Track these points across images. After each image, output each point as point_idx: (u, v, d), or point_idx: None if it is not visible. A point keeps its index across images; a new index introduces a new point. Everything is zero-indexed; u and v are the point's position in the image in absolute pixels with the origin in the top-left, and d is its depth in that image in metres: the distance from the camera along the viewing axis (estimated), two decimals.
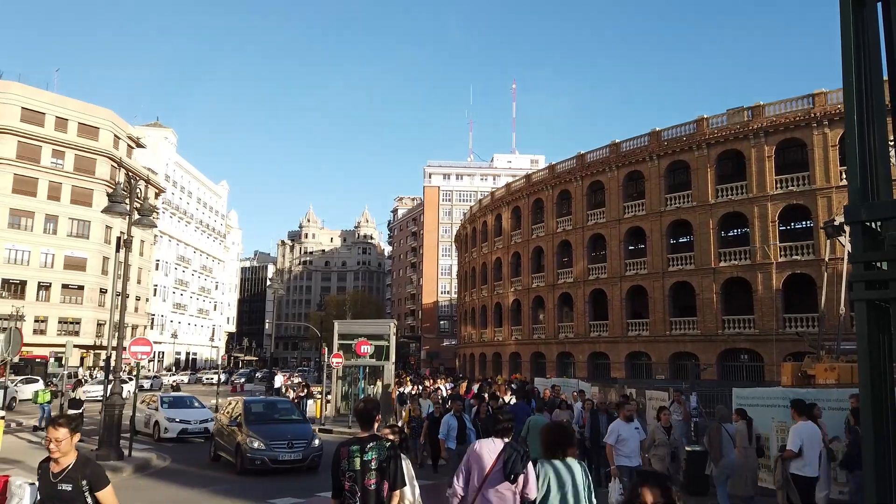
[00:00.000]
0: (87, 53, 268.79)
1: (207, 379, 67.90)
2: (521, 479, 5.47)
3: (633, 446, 10.23)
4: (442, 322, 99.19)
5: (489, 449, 5.65)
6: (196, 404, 23.56)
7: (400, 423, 17.37)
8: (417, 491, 6.15)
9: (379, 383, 27.68)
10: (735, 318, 38.87)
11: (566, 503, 5.40)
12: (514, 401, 18.99)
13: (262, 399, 22.70)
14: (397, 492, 5.31)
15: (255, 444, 14.90)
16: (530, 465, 5.58)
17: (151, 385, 51.11)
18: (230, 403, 18.21)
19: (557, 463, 5.49)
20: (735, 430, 11.49)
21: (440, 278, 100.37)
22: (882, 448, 2.30)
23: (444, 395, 22.46)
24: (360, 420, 5.55)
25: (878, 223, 2.44)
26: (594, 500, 5.58)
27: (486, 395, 19.59)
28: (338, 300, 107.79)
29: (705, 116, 41.32)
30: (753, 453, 11.30)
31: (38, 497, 4.47)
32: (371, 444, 5.27)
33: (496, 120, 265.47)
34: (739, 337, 38.49)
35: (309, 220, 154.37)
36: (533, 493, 5.49)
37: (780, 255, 37.12)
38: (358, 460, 5.19)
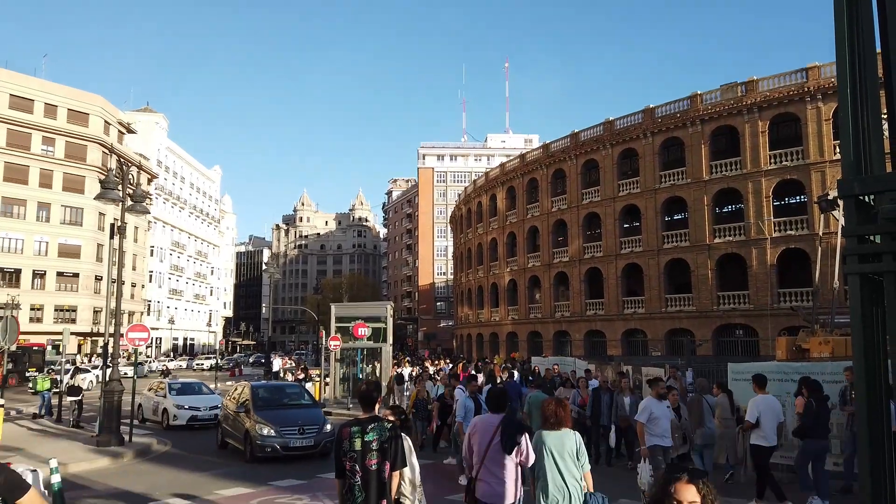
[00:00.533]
0: (75, 39, 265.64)
1: (198, 364, 66.13)
2: (517, 449, 6.05)
3: (666, 425, 9.86)
4: (438, 303, 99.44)
5: (487, 424, 6.28)
6: (205, 390, 22.86)
7: (406, 404, 17.47)
8: (418, 471, 6.23)
9: (376, 364, 27.76)
10: (730, 293, 39.06)
11: (560, 468, 6.01)
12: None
13: (270, 383, 21.95)
14: (397, 472, 5.40)
15: (265, 431, 14.32)
16: (525, 436, 6.16)
17: (136, 372, 51.00)
18: (236, 388, 17.61)
19: (554, 433, 6.13)
20: (715, 402, 11.79)
21: (436, 260, 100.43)
22: (875, 419, 2.33)
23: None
24: (361, 401, 5.61)
25: (872, 197, 2.45)
26: (588, 466, 6.18)
27: (479, 376, 19.90)
28: (334, 283, 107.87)
29: (699, 92, 41.16)
30: (733, 424, 11.59)
31: None
32: (372, 425, 5.35)
33: (489, 100, 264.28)
34: (734, 312, 38.71)
35: (303, 204, 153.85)
36: (530, 461, 6.08)
37: (775, 231, 37.22)
38: (359, 441, 5.26)
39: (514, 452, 6.03)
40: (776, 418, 10.15)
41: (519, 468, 6.16)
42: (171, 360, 68.63)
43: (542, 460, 6.07)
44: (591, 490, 6.13)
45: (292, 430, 14.51)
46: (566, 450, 6.06)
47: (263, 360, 69.79)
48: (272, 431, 14.33)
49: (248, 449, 14.54)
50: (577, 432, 6.34)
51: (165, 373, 39.36)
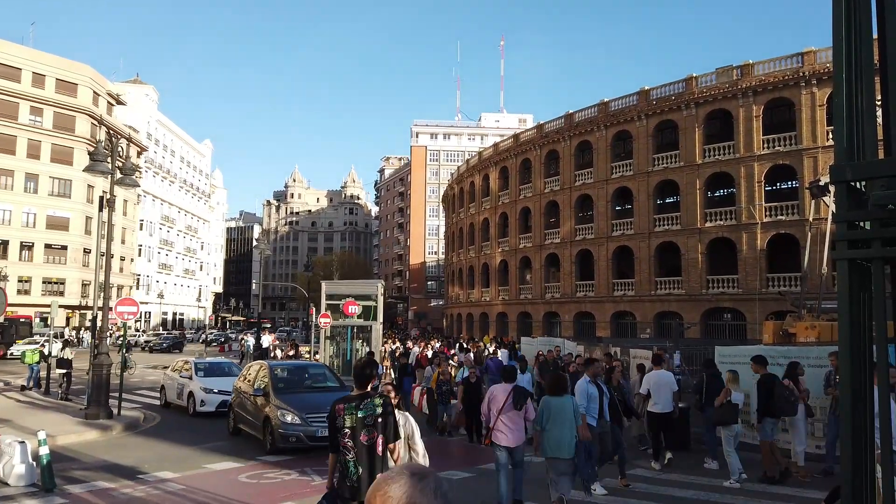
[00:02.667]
0: (64, 7, 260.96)
1: (145, 342, 55.08)
2: (524, 407, 8.86)
3: None
4: (429, 282, 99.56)
5: (502, 390, 9.10)
6: (236, 371, 20.19)
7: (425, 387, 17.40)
8: (423, 451, 6.50)
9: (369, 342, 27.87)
10: (719, 277, 39.31)
11: (559, 424, 8.36)
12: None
13: (290, 363, 20.27)
14: (393, 444, 5.57)
15: (289, 418, 12.69)
16: (529, 399, 9.12)
17: (124, 346, 49.99)
18: (251, 368, 15.98)
19: (555, 398, 8.56)
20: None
21: (427, 239, 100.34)
22: (859, 404, 2.35)
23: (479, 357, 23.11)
24: (355, 378, 5.68)
25: (863, 183, 2.45)
26: (579, 422, 8.75)
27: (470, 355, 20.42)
28: (325, 261, 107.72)
29: (694, 75, 41.01)
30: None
31: None
32: (365, 401, 5.47)
33: (484, 78, 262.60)
34: (723, 296, 38.99)
35: (295, 180, 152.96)
36: (531, 416, 8.80)
37: (765, 216, 37.39)
38: (351, 417, 5.37)
39: (521, 409, 8.80)
40: (670, 390, 11.75)
41: (523, 421, 8.88)
42: (143, 335, 58.12)
43: (548, 417, 8.39)
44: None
45: (319, 417, 12.45)
46: (566, 410, 8.47)
47: (223, 340, 62.37)
48: (296, 419, 12.68)
49: (269, 438, 13.00)
50: (573, 398, 8.94)
51: (125, 347, 33.21)
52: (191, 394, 18.55)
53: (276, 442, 12.75)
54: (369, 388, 5.68)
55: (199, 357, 25.97)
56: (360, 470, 5.29)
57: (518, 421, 8.86)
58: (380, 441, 5.39)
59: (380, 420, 5.40)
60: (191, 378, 19.08)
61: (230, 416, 15.62)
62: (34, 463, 10.31)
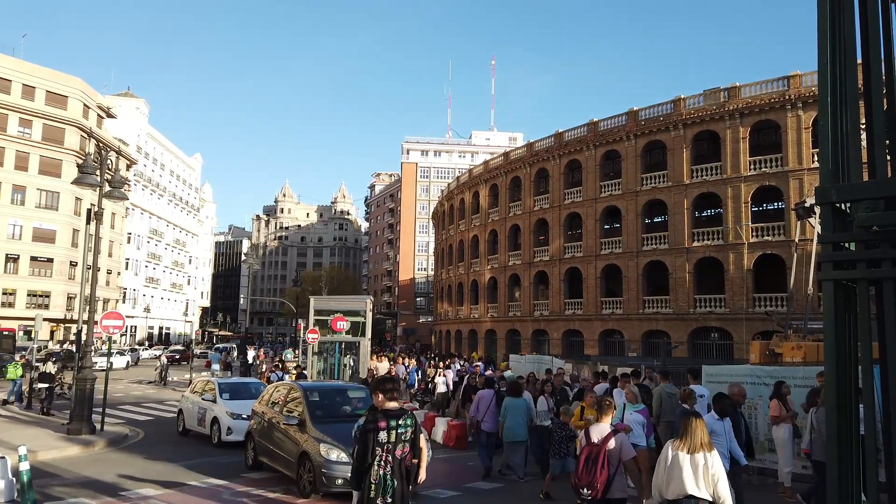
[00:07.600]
0: (55, 19, 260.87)
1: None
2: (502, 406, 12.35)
3: None
4: (418, 299, 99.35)
5: (488, 394, 13.06)
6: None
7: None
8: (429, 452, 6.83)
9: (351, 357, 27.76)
10: (706, 297, 39.50)
11: (516, 417, 11.85)
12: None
13: (326, 384, 16.90)
14: (419, 458, 5.90)
15: (334, 456, 10.19)
16: (504, 400, 12.39)
17: (109, 361, 48.02)
18: (277, 388, 13.46)
19: (513, 398, 12.13)
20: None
21: (417, 255, 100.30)
22: (844, 423, 2.37)
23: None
24: (386, 393, 5.84)
25: (848, 205, 2.48)
26: (532, 418, 12.42)
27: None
28: (314, 276, 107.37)
29: (682, 97, 41.50)
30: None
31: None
32: (403, 416, 5.70)
33: (475, 96, 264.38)
34: (710, 316, 39.16)
35: (285, 195, 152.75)
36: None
37: (752, 236, 37.70)
38: (395, 432, 5.57)
39: (501, 407, 12.23)
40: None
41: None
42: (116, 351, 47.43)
43: (508, 412, 11.82)
44: None
45: None
46: (520, 408, 11.99)
47: (178, 357, 53.85)
48: (343, 455, 10.05)
49: (306, 479, 10.64)
50: (526, 399, 12.56)
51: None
52: (215, 419, 16.06)
53: (319, 485, 10.27)
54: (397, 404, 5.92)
55: (218, 377, 23.18)
56: (396, 483, 5.48)
57: (497, 414, 12.46)
58: (409, 456, 5.64)
59: (412, 436, 5.65)
60: (214, 401, 16.56)
61: (249, 446, 13.18)
62: (13, 479, 10.13)
